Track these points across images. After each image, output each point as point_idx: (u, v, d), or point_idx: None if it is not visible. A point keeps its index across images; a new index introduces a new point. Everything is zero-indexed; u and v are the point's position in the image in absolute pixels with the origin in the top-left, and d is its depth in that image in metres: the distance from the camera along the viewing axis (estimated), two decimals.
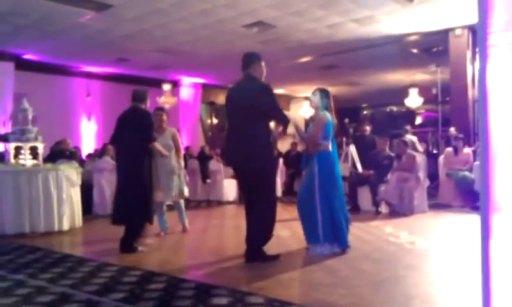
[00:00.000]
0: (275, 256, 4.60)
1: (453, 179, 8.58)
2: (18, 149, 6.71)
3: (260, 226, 4.51)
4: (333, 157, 4.98)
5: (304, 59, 12.15)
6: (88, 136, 13.11)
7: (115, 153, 5.54)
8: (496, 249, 1.93)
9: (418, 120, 16.52)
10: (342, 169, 8.96)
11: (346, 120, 8.64)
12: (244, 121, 4.45)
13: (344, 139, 8.84)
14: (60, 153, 8.58)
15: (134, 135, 5.06)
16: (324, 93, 5.09)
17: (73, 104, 12.95)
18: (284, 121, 4.52)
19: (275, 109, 4.46)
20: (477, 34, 1.97)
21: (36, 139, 6.76)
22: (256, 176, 4.45)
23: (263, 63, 4.71)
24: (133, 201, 5.03)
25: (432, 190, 8.93)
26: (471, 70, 9.62)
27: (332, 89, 16.75)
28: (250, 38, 9.97)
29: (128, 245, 5.08)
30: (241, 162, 4.52)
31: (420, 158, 8.10)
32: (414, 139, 10.04)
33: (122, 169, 5.17)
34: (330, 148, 4.95)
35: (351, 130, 8.86)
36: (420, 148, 9.48)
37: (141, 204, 5.06)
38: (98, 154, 9.36)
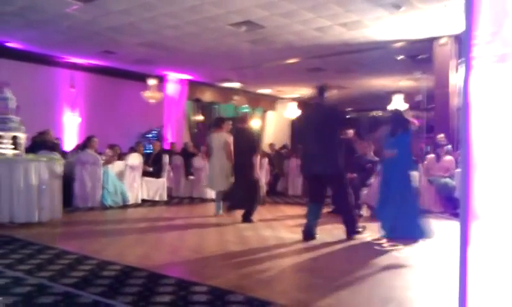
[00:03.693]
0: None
1: (434, 185, 8.70)
2: None
3: (348, 212, 5.85)
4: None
5: (291, 61, 12.19)
6: (71, 128, 12.95)
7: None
8: (473, 256, 1.96)
9: None
10: None
11: None
12: (320, 138, 5.65)
13: None
14: (42, 144, 8.45)
15: (247, 149, 7.15)
16: None
17: (57, 95, 12.76)
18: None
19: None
20: (462, 45, 2.00)
21: (18, 129, 6.65)
22: (335, 179, 5.74)
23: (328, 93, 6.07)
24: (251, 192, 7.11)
25: None
26: (454, 79, 9.78)
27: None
28: (238, 36, 9.97)
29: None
30: (322, 170, 5.67)
31: None
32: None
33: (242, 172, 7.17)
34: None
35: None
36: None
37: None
38: (81, 146, 9.25)
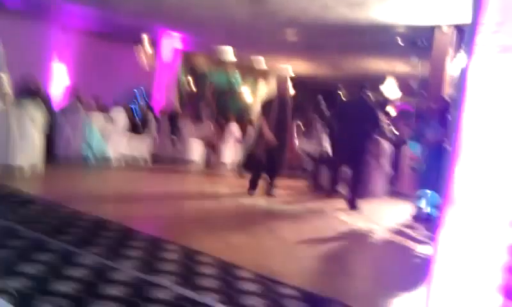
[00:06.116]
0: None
1: (416, 172, 8.71)
2: None
3: (358, 188, 6.74)
4: None
5: (291, 37, 12.00)
6: (57, 77, 12.73)
7: None
8: (446, 238, 2.01)
9: (392, 111, 16.70)
10: (308, 146, 9.00)
11: (320, 97, 8.66)
12: (355, 127, 6.56)
13: (316, 117, 8.85)
14: (26, 90, 8.21)
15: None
16: None
17: (47, 54, 12.49)
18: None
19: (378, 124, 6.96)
20: (466, 33, 2.01)
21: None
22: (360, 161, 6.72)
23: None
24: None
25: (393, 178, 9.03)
26: (451, 69, 9.72)
27: (315, 70, 16.71)
28: (240, 8, 9.72)
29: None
30: (351, 152, 6.61)
31: (386, 146, 8.21)
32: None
33: None
34: None
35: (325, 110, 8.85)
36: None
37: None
38: (67, 97, 9.07)
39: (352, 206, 6.49)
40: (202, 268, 3.09)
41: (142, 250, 3.35)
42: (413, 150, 7.58)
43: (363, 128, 6.68)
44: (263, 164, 6.79)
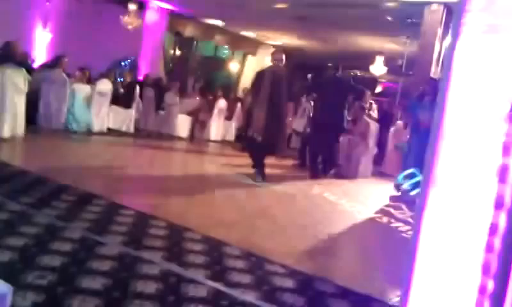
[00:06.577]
0: None
1: (400, 151, 8.82)
2: None
3: (334, 157, 7.54)
4: None
5: (280, 6, 11.85)
6: (41, 44, 12.38)
7: None
8: (428, 220, 2.03)
9: (379, 89, 16.75)
10: (297, 124, 9.05)
11: (309, 76, 8.61)
12: (334, 100, 7.12)
13: (304, 95, 8.82)
14: (9, 57, 8.00)
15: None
16: None
17: (29, 7, 12.09)
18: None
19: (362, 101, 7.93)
20: (455, 10, 1.97)
21: None
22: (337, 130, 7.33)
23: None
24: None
25: (378, 159, 9.13)
26: (438, 48, 9.74)
27: (302, 43, 16.60)
28: None
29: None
30: (330, 121, 7.13)
31: (373, 126, 8.27)
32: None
33: None
34: None
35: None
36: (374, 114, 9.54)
37: None
38: (50, 65, 8.84)
39: (320, 174, 7.14)
40: (190, 245, 3.12)
41: (125, 224, 3.37)
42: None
43: (344, 105, 7.23)
44: (260, 144, 6.06)
